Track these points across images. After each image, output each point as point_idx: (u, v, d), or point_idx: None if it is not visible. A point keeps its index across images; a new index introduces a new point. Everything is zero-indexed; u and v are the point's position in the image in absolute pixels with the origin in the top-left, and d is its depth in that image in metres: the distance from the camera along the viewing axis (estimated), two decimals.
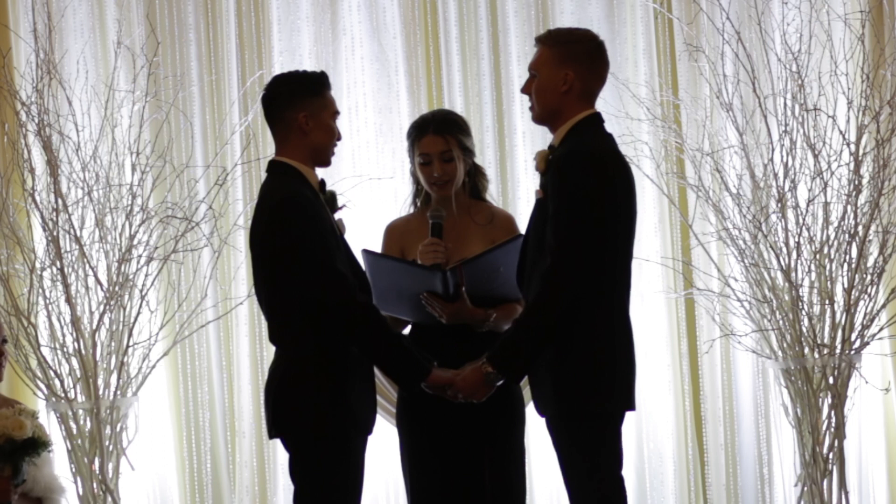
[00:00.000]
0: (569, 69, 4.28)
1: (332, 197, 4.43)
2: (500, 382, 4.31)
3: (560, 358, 4.18)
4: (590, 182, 4.15)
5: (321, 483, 4.23)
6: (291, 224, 4.21)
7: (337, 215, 4.43)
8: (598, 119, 4.34)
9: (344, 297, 4.20)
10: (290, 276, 4.20)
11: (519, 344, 4.20)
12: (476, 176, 4.94)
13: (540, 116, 4.36)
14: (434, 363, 4.36)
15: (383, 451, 6.06)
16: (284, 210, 4.23)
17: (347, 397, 4.24)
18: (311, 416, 4.22)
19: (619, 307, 4.25)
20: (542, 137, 6.60)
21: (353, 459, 4.26)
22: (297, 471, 4.30)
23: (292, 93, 4.34)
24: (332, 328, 4.21)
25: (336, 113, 4.40)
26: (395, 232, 4.94)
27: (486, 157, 6.56)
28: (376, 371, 4.51)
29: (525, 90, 4.36)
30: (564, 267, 4.11)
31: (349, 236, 6.00)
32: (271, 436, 4.36)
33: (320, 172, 4.46)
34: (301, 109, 4.31)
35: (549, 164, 4.26)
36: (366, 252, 4.74)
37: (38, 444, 5.50)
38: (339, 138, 4.41)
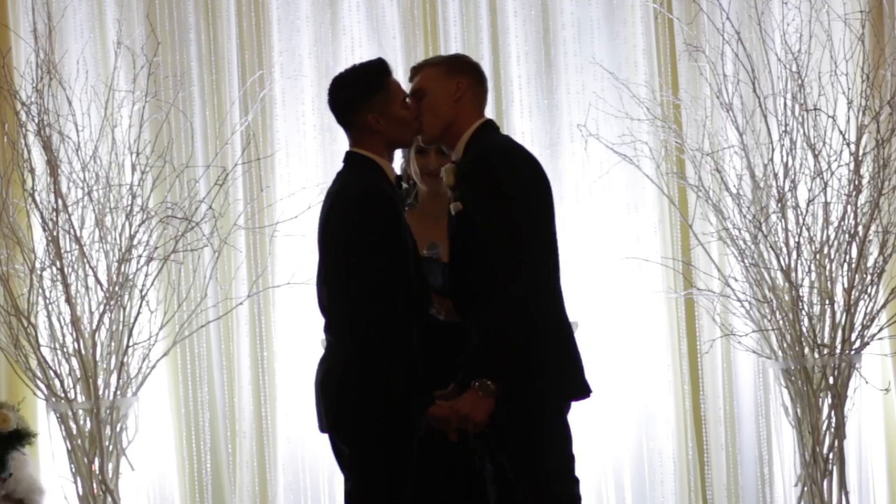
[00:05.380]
0: (460, 78, 4.29)
1: (406, 193, 4.39)
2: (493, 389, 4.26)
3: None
4: (506, 179, 4.14)
5: (379, 481, 4.18)
6: (374, 222, 4.12)
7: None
8: (493, 125, 4.34)
9: (384, 334, 4.12)
10: (359, 272, 4.13)
11: (496, 348, 4.13)
12: None
13: (434, 133, 4.31)
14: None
15: None
16: (367, 205, 4.14)
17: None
18: (374, 415, 4.16)
19: (543, 298, 4.19)
20: (543, 138, 6.61)
21: (411, 458, 4.22)
22: (354, 467, 4.22)
23: (354, 97, 4.24)
24: (355, 338, 4.17)
25: (405, 97, 4.28)
26: None
27: None
28: None
29: (410, 114, 4.28)
30: (514, 266, 4.09)
31: None
32: (328, 431, 4.24)
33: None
34: (369, 111, 4.23)
35: (459, 176, 4.24)
36: None
37: (22, 436, 5.52)
38: (417, 119, 4.28)
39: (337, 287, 4.20)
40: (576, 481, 4.22)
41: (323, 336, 4.34)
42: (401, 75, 6.60)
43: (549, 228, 4.23)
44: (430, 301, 4.35)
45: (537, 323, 4.14)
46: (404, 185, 4.44)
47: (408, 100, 4.30)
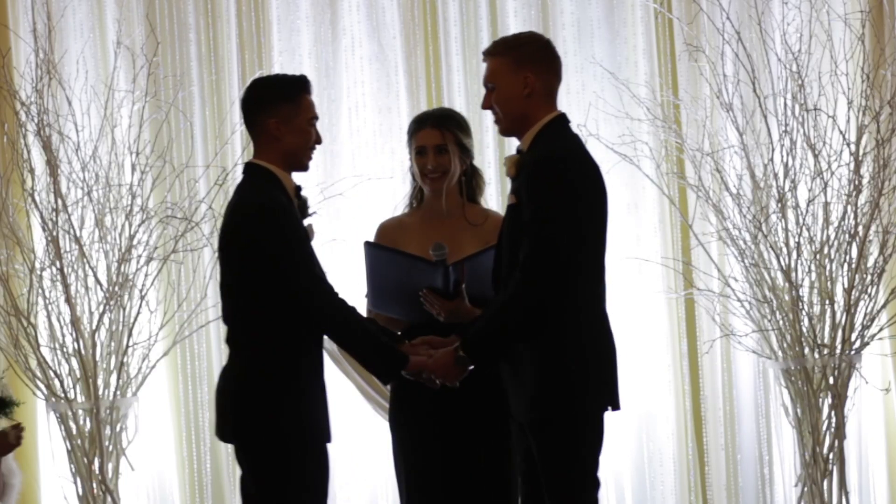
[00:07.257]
0: (527, 72, 4.25)
1: (304, 203, 4.41)
2: (472, 367, 4.31)
3: (533, 363, 4.17)
4: (562, 186, 4.13)
5: (284, 493, 4.19)
6: (268, 231, 4.18)
7: (306, 221, 4.41)
8: (564, 120, 4.31)
9: (325, 299, 4.20)
10: (266, 281, 4.17)
11: (491, 336, 4.20)
12: (473, 177, 4.93)
13: (508, 126, 4.31)
14: (405, 343, 4.38)
15: (381, 449, 6.05)
16: (261, 217, 4.20)
17: (307, 405, 4.21)
18: (275, 423, 4.17)
19: (591, 305, 4.21)
20: None
21: (317, 468, 4.23)
22: (256, 480, 4.23)
23: (263, 98, 4.30)
24: (312, 328, 4.21)
25: (314, 118, 4.33)
26: (387, 231, 4.93)
27: (485, 157, 6.56)
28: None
29: (486, 105, 4.31)
30: (538, 267, 4.10)
31: (346, 236, 6.05)
32: (226, 440, 4.31)
33: (301, 177, 4.43)
34: (272, 115, 4.27)
35: (521, 169, 4.24)
36: (368, 244, 4.73)
37: (6, 403, 5.50)
38: (317, 142, 4.34)
39: (236, 299, 4.25)
40: (598, 485, 4.24)
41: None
42: (400, 75, 6.68)
43: (600, 240, 4.22)
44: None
45: (581, 329, 4.16)
46: (303, 196, 4.44)
47: (315, 123, 4.32)
